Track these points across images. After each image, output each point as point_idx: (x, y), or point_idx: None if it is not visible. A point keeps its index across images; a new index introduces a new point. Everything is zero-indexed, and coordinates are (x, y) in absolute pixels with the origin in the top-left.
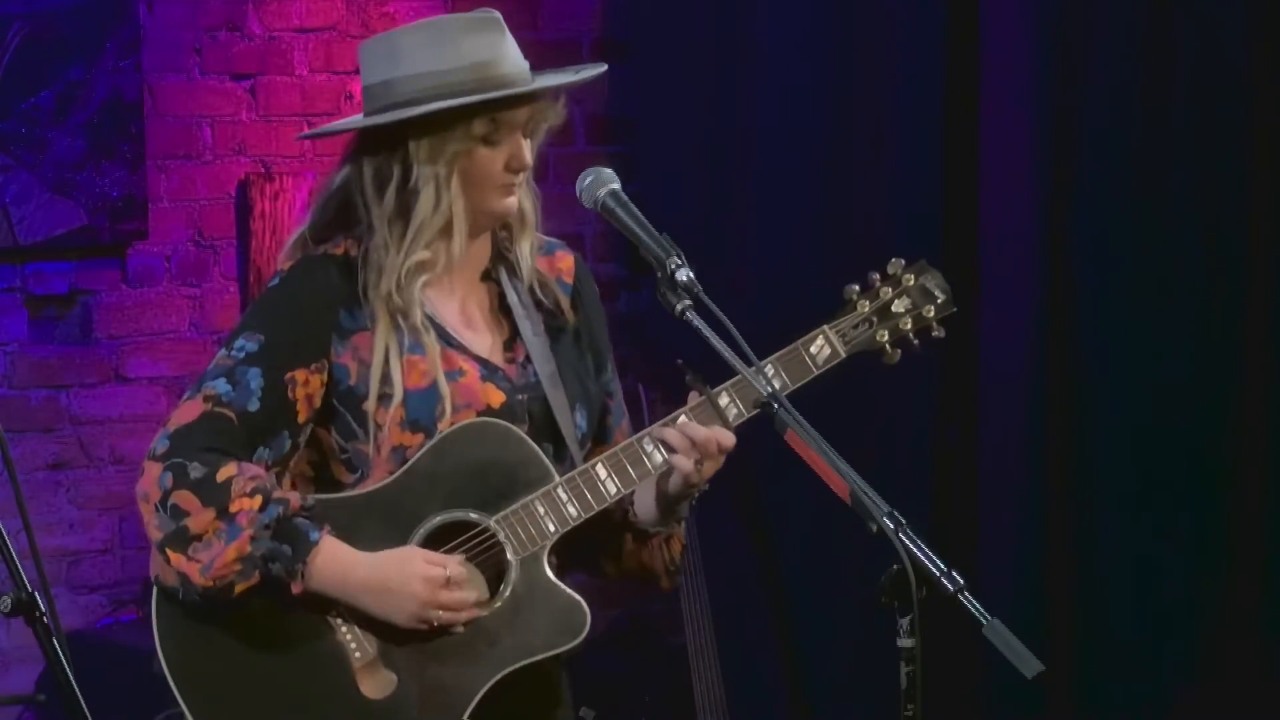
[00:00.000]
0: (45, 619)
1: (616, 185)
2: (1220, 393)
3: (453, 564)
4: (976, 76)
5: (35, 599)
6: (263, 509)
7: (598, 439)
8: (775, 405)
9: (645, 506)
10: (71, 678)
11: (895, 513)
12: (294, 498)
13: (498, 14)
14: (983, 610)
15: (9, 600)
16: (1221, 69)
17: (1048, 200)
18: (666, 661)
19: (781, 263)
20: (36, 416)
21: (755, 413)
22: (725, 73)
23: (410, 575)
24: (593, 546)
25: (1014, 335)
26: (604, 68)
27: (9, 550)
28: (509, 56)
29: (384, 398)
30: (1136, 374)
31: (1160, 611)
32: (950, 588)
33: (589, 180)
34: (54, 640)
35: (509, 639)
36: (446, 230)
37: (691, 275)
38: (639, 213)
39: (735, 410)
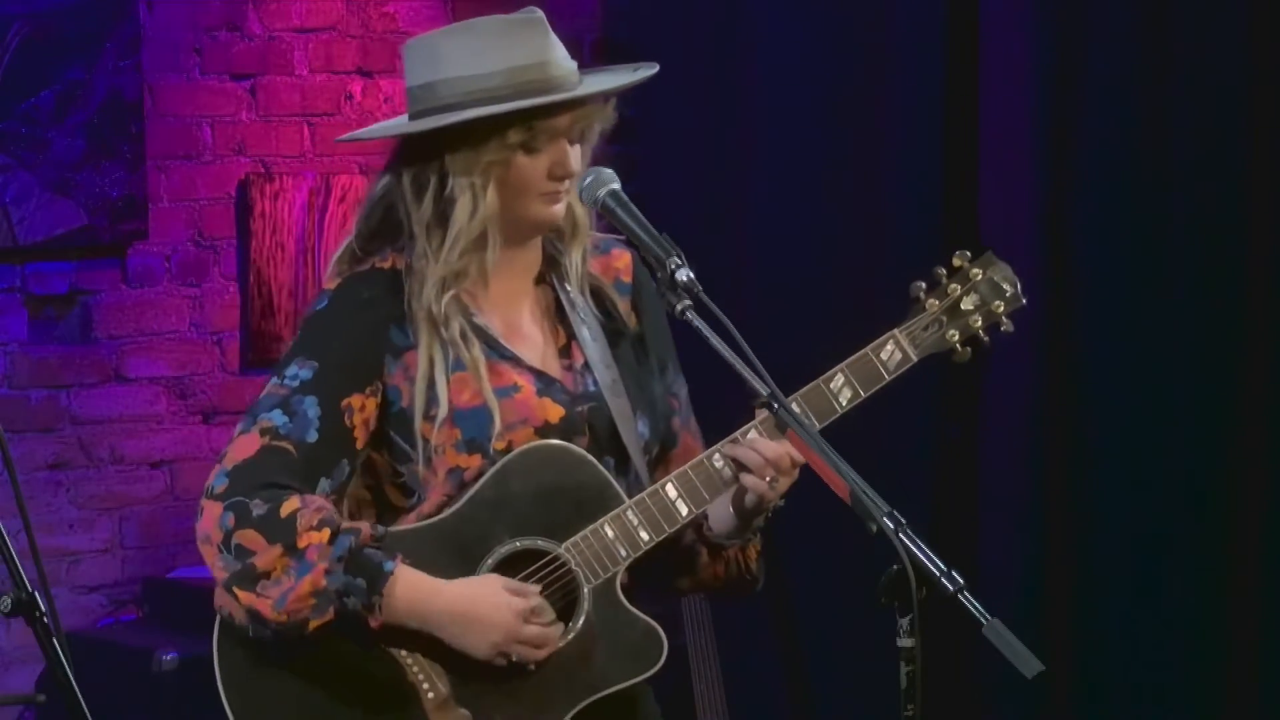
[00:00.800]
0: (45, 619)
1: (616, 185)
2: (1221, 392)
3: (533, 593)
4: (976, 76)
5: (35, 599)
6: (332, 541)
7: (664, 443)
8: (775, 405)
9: (721, 519)
10: (71, 678)
11: (895, 513)
12: (365, 528)
13: (540, 13)
14: (983, 610)
15: (9, 600)
16: (1221, 69)
17: (1048, 200)
18: (667, 661)
19: (781, 262)
20: (36, 416)
21: (829, 422)
22: (725, 73)
23: (496, 605)
24: (666, 564)
25: (1014, 335)
26: (655, 68)
27: (9, 550)
28: (553, 59)
29: (433, 418)
30: (1136, 374)
31: (1160, 611)
32: (950, 588)
33: (589, 180)
34: (54, 640)
35: (585, 670)
36: (481, 239)
37: (691, 275)
38: (639, 213)
39: (807, 421)
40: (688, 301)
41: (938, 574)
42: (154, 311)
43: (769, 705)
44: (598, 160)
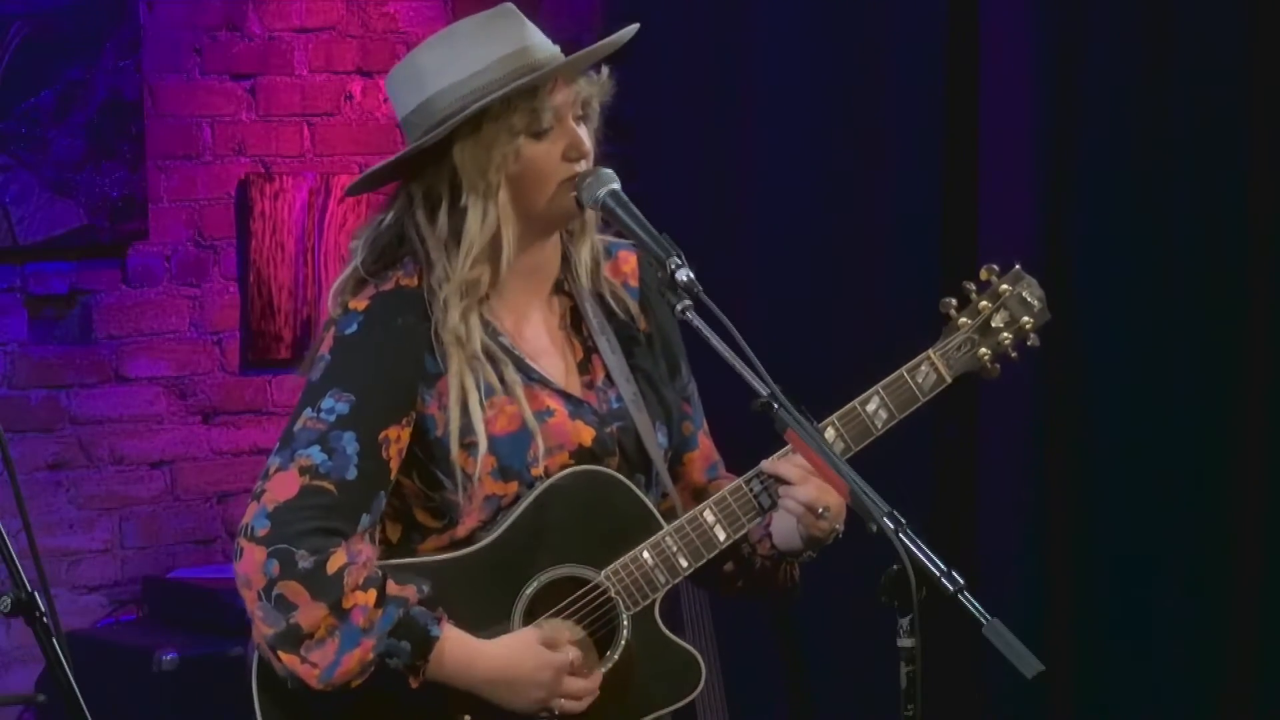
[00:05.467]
0: (45, 619)
1: (616, 185)
2: (1221, 392)
3: (570, 647)
4: (976, 76)
5: (35, 599)
6: (379, 605)
7: (679, 448)
8: (775, 405)
9: (786, 537)
10: (71, 678)
11: (895, 513)
12: (411, 594)
13: (512, 5)
14: (983, 610)
15: (9, 600)
16: (1221, 67)
17: (1048, 200)
18: None
19: (781, 263)
20: (36, 416)
21: (863, 446)
22: (725, 73)
23: (536, 664)
24: (718, 568)
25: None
26: (635, 27)
27: (9, 550)
28: (534, 44)
29: (469, 446)
30: (1136, 373)
31: (1160, 612)
32: (950, 588)
33: (589, 180)
34: (54, 640)
35: (623, 700)
36: (495, 247)
37: (691, 275)
38: (639, 213)
39: (842, 445)
40: (688, 301)
41: (938, 574)
42: (154, 311)
43: (769, 705)
44: (598, 160)
